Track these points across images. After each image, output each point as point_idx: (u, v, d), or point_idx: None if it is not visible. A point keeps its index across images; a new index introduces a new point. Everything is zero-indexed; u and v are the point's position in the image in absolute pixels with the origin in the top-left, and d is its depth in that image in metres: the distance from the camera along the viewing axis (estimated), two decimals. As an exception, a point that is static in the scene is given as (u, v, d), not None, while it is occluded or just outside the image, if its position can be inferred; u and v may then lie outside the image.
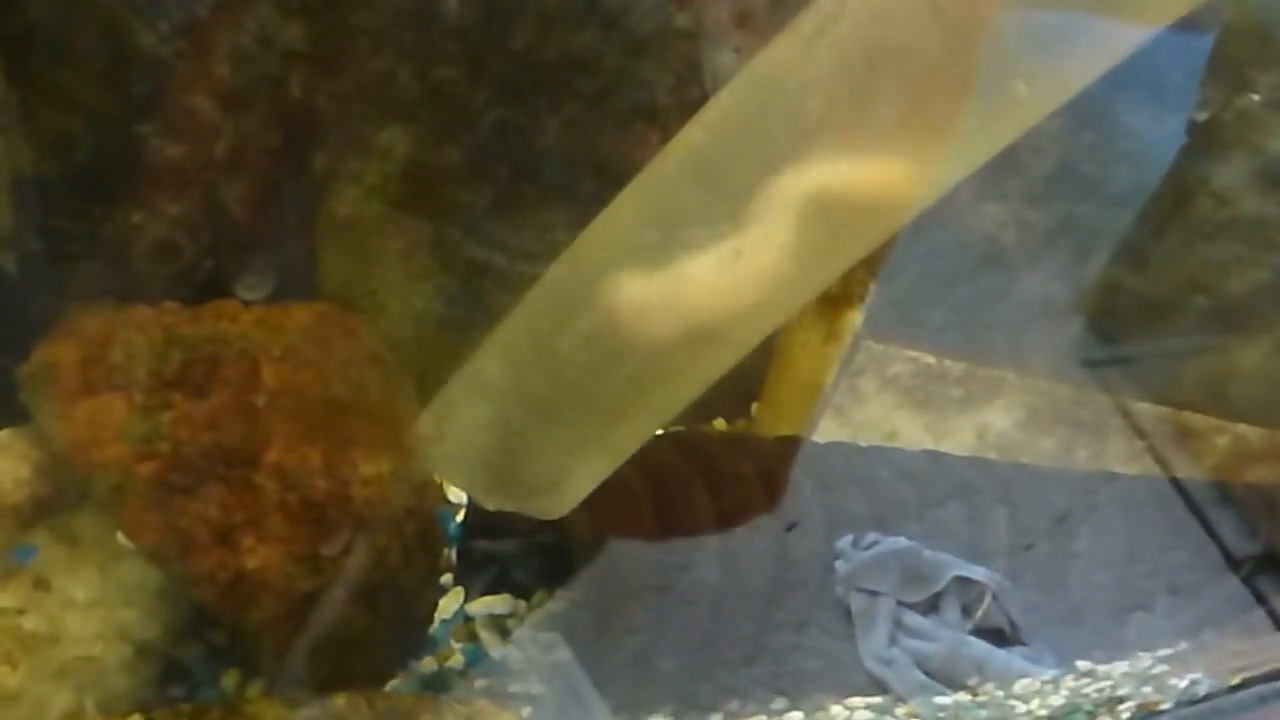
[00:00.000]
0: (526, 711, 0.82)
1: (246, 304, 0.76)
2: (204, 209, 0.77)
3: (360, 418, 0.78)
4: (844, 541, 0.91)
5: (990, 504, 0.98)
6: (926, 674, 0.84)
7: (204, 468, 0.73)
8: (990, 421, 1.09)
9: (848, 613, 0.86)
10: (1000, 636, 0.88)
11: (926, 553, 0.90)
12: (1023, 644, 0.89)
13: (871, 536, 0.92)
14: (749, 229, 0.59)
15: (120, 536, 0.75)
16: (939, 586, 0.88)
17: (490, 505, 0.75)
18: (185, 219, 0.77)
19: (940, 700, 0.86)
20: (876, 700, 0.86)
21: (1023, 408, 1.09)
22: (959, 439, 1.09)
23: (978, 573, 0.89)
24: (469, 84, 0.81)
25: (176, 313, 0.75)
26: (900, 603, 0.87)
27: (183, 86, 0.73)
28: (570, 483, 0.74)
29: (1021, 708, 0.87)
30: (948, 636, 0.85)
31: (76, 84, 0.74)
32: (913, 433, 1.08)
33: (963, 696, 0.87)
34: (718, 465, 0.95)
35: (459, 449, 0.73)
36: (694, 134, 0.62)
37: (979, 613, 0.87)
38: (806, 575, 0.88)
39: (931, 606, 0.88)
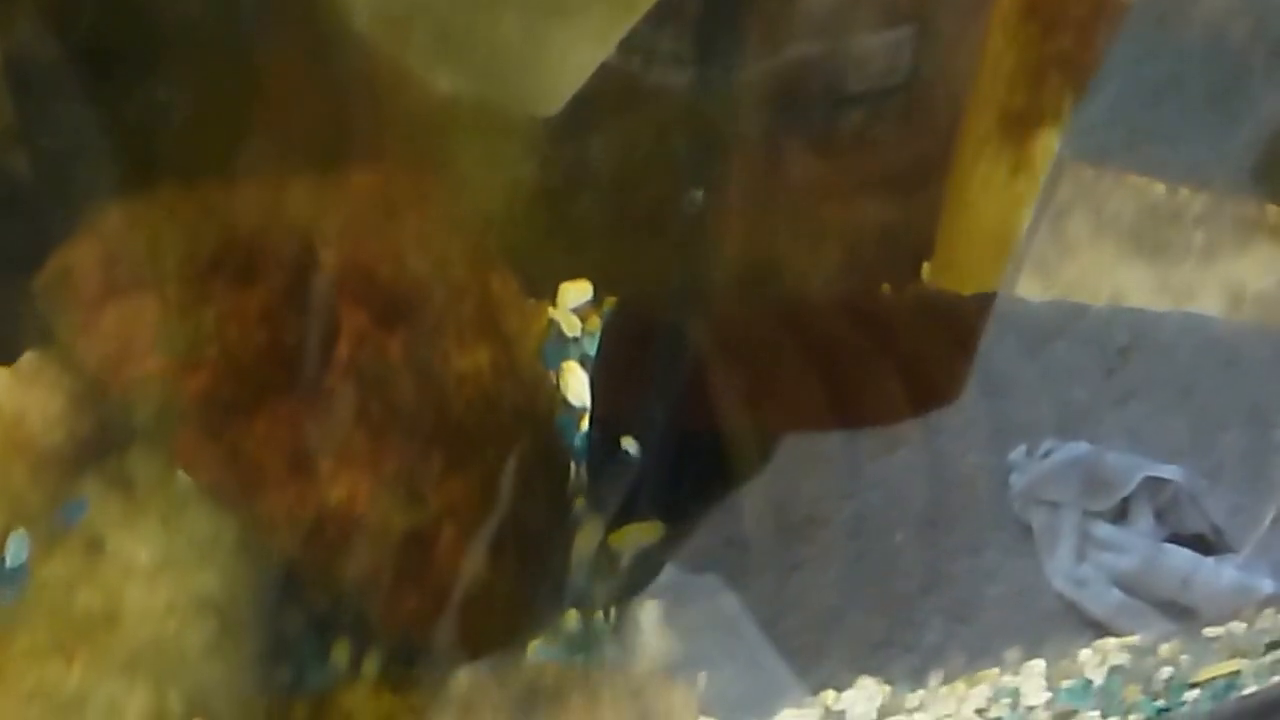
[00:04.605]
0: (701, 680, 0.71)
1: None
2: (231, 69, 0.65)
3: (445, 298, 0.64)
4: (1017, 453, 0.83)
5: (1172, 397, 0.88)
6: (1124, 591, 0.78)
7: (263, 374, 0.62)
8: (1245, 275, 0.88)
9: (1028, 530, 0.80)
10: (1203, 543, 0.80)
11: (1109, 454, 0.82)
12: (1230, 550, 0.80)
13: (1048, 444, 0.84)
14: None
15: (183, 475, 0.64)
16: (1127, 490, 0.80)
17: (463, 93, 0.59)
18: (212, 83, 0.65)
19: (1210, 631, 0.77)
20: (1133, 640, 0.77)
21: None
22: (1206, 300, 0.88)
23: (1169, 471, 0.81)
24: None
25: (211, 189, 0.63)
26: (1086, 512, 0.80)
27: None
28: (550, 61, 0.55)
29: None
30: (1143, 546, 0.78)
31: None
32: (1142, 292, 0.87)
33: (1236, 626, 0.78)
34: (906, 335, 0.82)
35: (400, 8, 0.53)
36: None
37: (1172, 516, 0.80)
38: (977, 492, 0.82)
39: (1120, 514, 0.81)
